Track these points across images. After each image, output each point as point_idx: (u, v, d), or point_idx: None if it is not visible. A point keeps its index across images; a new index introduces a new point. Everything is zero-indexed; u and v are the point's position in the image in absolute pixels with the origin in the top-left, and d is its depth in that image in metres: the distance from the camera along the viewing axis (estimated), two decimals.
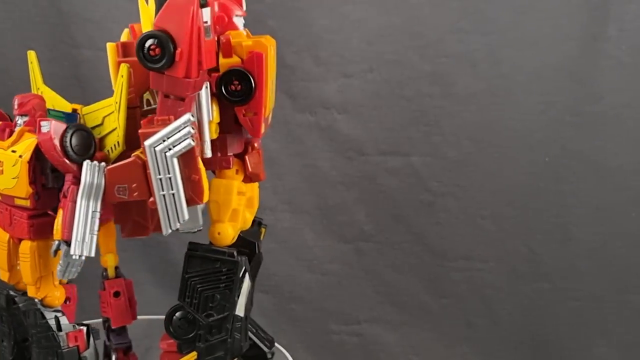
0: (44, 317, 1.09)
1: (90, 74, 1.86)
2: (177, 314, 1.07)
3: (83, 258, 1.01)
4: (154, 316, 1.26)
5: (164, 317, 1.14)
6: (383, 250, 2.01)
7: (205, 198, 0.99)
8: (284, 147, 1.95)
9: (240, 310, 1.08)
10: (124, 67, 1.02)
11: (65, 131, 1.01)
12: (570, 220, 1.97)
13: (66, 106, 1.10)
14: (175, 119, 0.97)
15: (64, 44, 1.86)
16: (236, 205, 1.08)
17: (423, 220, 1.98)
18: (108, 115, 1.05)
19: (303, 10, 1.87)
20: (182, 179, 0.96)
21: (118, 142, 1.04)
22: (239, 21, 1.04)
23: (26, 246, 1.06)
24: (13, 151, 1.03)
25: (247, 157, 1.09)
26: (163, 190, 0.96)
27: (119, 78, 1.02)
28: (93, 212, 1.00)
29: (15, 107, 1.07)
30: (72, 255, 1.00)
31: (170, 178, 0.96)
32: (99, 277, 1.21)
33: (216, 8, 1.02)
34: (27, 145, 1.03)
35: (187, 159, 0.96)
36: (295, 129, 1.95)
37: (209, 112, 1.02)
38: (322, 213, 2.00)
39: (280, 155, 1.94)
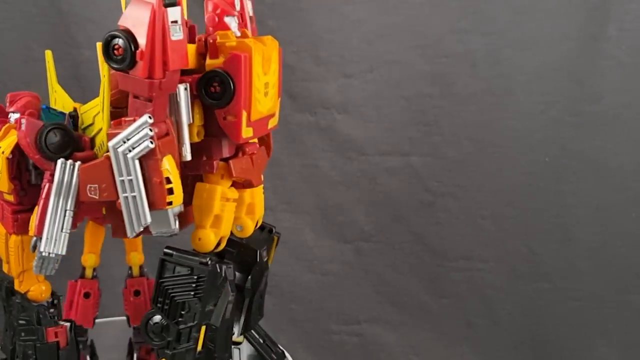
0: (24, 310, 1.10)
1: (90, 74, 1.86)
2: (154, 318, 1.05)
3: (53, 255, 1.01)
4: None
5: None
6: (383, 250, 2.01)
7: (178, 201, 0.97)
8: (284, 147, 1.95)
9: (215, 320, 1.04)
10: (105, 67, 1.01)
11: (40, 129, 1.02)
12: (570, 220, 1.97)
13: (72, 106, 1.11)
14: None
15: (64, 44, 1.86)
16: (219, 211, 1.04)
17: (423, 220, 1.99)
18: (97, 114, 1.06)
19: (303, 10, 1.87)
20: (145, 181, 0.95)
21: (103, 142, 1.03)
22: (231, 21, 1.02)
23: (12, 240, 1.08)
24: None
25: (231, 162, 1.05)
26: (126, 192, 0.95)
27: (102, 78, 1.02)
28: (65, 210, 1.00)
29: (7, 104, 1.09)
30: (42, 253, 1.00)
31: (131, 180, 0.95)
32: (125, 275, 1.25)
33: (210, 7, 1.01)
34: (9, 141, 1.04)
35: (147, 161, 0.95)
36: (295, 129, 1.95)
37: (189, 114, 1.00)
38: (322, 213, 2.00)
39: (280, 155, 1.94)
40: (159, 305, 1.03)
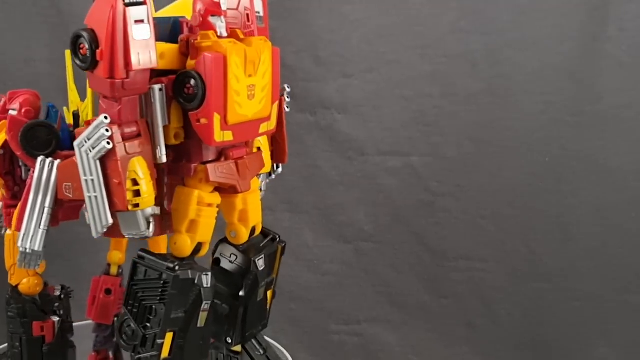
0: (13, 302, 1.12)
1: None
2: (128, 320, 1.03)
3: (29, 251, 1.02)
4: None
5: None
6: (383, 250, 2.01)
7: (146, 204, 0.96)
8: None
9: (185, 328, 1.01)
10: None
11: (23, 127, 1.03)
12: (570, 220, 1.97)
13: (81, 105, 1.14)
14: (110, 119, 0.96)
15: (64, 44, 1.85)
16: (195, 216, 1.01)
17: (423, 220, 1.99)
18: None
19: (303, 10, 1.88)
20: (107, 182, 0.95)
21: None
22: (216, 21, 0.99)
23: (6, 234, 1.10)
24: None
25: (208, 166, 1.01)
26: (89, 192, 0.95)
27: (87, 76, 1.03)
28: (44, 207, 1.01)
29: (7, 101, 1.10)
30: (19, 247, 1.02)
31: (93, 180, 0.94)
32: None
33: (199, 7, 0.99)
34: (0, 138, 1.07)
35: (108, 162, 0.94)
36: (295, 129, 1.95)
37: (163, 116, 0.98)
38: (322, 213, 2.00)
39: None
40: (129, 308, 1.01)
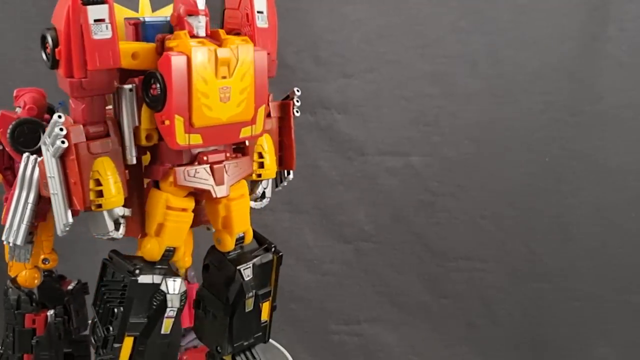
0: (8, 293, 1.15)
1: None
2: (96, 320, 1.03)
3: (11, 245, 1.04)
4: None
5: None
6: (383, 250, 2.01)
7: (109, 205, 0.96)
8: None
9: (146, 334, 1.00)
10: None
11: (11, 124, 1.05)
12: (570, 220, 1.97)
13: None
14: (74, 118, 0.96)
15: None
16: (162, 220, 1.00)
17: (423, 220, 1.98)
18: None
19: (303, 10, 1.87)
20: (66, 181, 0.95)
21: None
22: (193, 21, 0.97)
23: None
24: None
25: (175, 169, 0.99)
26: (51, 190, 0.95)
27: None
28: (27, 203, 1.02)
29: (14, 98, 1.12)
30: (4, 241, 1.03)
31: (53, 178, 0.94)
32: None
33: (178, 6, 0.97)
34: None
35: (65, 161, 0.94)
36: (295, 129, 1.95)
37: (131, 116, 0.97)
38: (322, 213, 2.00)
39: None
40: (96, 308, 1.01)
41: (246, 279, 1.08)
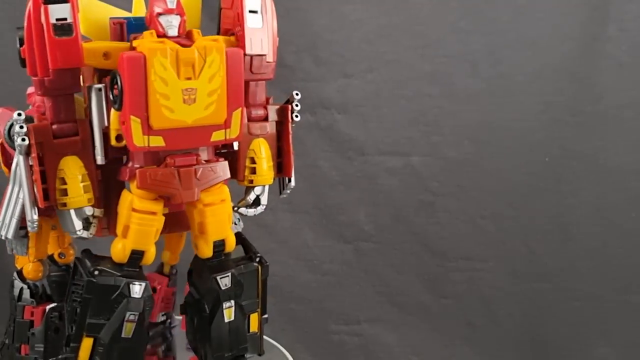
0: (13, 285, 1.16)
1: None
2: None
3: (4, 238, 1.04)
4: None
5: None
6: (383, 250, 2.01)
7: (73, 204, 0.96)
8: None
9: (105, 336, 0.99)
10: None
11: (8, 121, 1.05)
12: (570, 220, 1.97)
13: None
14: (47, 116, 0.97)
15: None
16: (127, 222, 0.98)
17: (423, 220, 1.99)
18: None
19: (303, 10, 1.87)
20: (31, 177, 0.96)
21: None
22: (164, 20, 0.95)
23: None
24: None
25: (138, 171, 0.96)
26: (16, 186, 0.97)
27: None
28: (17, 198, 1.02)
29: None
30: None
31: (19, 174, 0.96)
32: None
33: (154, 8, 0.96)
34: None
35: (28, 158, 0.95)
36: (295, 129, 1.94)
37: (100, 116, 0.96)
38: (322, 213, 2.00)
39: None
40: (66, 306, 1.02)
41: (223, 288, 1.04)
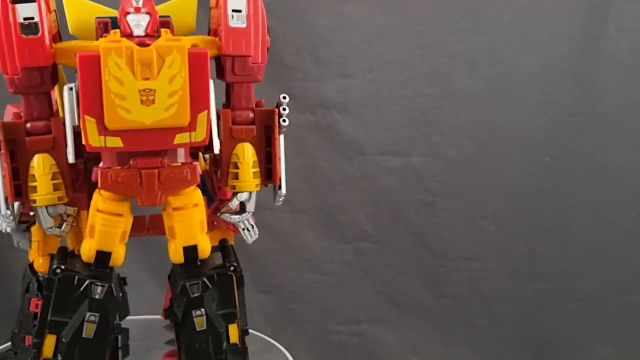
0: (24, 277, 1.19)
1: None
2: None
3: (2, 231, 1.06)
4: (154, 316, 1.26)
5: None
6: (383, 250, 2.01)
7: (42, 201, 0.98)
8: (284, 147, 1.94)
9: (65, 335, 1.00)
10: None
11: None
12: (570, 220, 1.97)
13: None
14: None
15: None
16: (92, 221, 0.98)
17: (423, 220, 1.98)
18: None
19: (303, 10, 1.87)
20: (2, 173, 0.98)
21: None
22: (132, 20, 0.94)
23: None
24: None
25: (100, 172, 0.96)
26: None
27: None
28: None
29: None
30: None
31: None
32: None
33: (126, 7, 0.96)
34: None
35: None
36: (295, 129, 1.94)
37: (72, 115, 0.96)
38: (322, 213, 2.00)
39: None
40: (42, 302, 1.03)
41: (192, 295, 1.02)
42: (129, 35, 0.94)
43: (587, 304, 1.99)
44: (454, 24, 1.88)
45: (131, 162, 0.96)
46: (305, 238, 2.01)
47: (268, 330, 1.30)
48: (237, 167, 1.05)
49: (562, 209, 1.96)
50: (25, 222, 1.11)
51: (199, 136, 0.96)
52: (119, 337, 1.10)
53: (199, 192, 1.01)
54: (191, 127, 0.95)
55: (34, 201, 0.98)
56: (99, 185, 0.96)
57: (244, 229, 1.13)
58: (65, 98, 0.97)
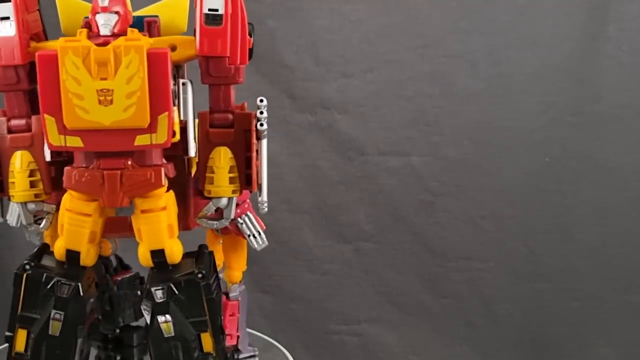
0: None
1: None
2: None
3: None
4: None
5: None
6: (383, 250, 2.01)
7: (18, 198, 0.99)
8: (284, 147, 1.95)
9: (34, 330, 1.00)
10: None
11: None
12: (570, 220, 1.97)
13: None
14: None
15: None
16: (62, 220, 0.99)
17: (423, 220, 1.98)
18: None
19: (303, 10, 1.87)
20: None
21: None
22: (99, 19, 0.93)
23: None
24: None
25: (66, 170, 0.96)
26: None
27: None
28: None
29: None
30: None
31: None
32: None
33: (96, 7, 0.94)
34: None
35: None
36: (295, 129, 1.95)
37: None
38: (322, 213, 2.00)
39: (280, 155, 1.94)
40: None
41: (157, 300, 1.00)
42: (97, 35, 0.93)
43: (587, 304, 1.99)
44: (454, 24, 1.88)
45: (95, 163, 0.96)
46: (305, 238, 2.01)
47: (268, 330, 1.30)
48: (213, 172, 1.03)
49: (562, 209, 1.96)
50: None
51: (160, 138, 0.94)
52: (124, 337, 1.13)
53: (169, 195, 0.99)
54: (151, 128, 0.93)
55: (13, 197, 1.00)
56: (64, 184, 0.97)
57: (249, 236, 1.12)
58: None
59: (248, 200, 1.13)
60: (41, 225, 1.02)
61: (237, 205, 1.08)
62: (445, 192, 1.97)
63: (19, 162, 0.99)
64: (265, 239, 1.14)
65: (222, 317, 1.08)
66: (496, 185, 1.96)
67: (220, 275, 1.17)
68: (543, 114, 1.92)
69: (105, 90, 0.90)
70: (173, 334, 1.01)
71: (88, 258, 1.01)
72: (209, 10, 0.96)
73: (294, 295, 2.02)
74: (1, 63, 0.95)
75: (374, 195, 1.98)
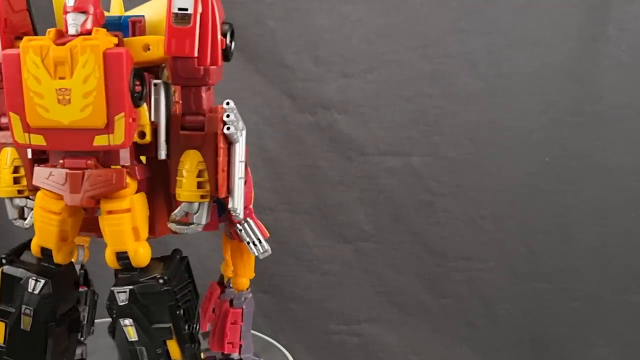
0: None
1: None
2: None
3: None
4: None
5: None
6: (383, 250, 2.01)
7: (4, 194, 1.02)
8: (284, 147, 1.95)
9: (10, 323, 1.02)
10: None
11: None
12: (570, 220, 1.97)
13: None
14: None
15: None
16: (34, 218, 1.00)
17: (423, 220, 1.98)
18: None
19: (303, 10, 1.87)
20: None
21: None
22: (68, 18, 0.92)
23: None
24: None
25: (35, 168, 0.97)
26: None
27: None
28: None
29: None
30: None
31: None
32: None
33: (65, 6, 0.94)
34: None
35: None
36: (295, 129, 1.95)
37: None
38: (322, 213, 2.00)
39: (280, 155, 1.94)
40: None
41: (120, 303, 0.98)
42: (65, 34, 0.93)
43: (587, 304, 1.99)
44: (454, 24, 1.88)
45: (60, 161, 0.96)
46: (305, 238, 2.01)
47: (268, 330, 1.30)
48: (182, 175, 0.99)
49: (562, 209, 1.96)
50: None
51: (117, 139, 0.93)
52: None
53: (137, 197, 0.98)
54: (109, 129, 0.92)
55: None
56: (32, 181, 0.98)
57: (248, 243, 1.10)
58: None
59: (250, 207, 1.11)
60: (26, 221, 1.03)
61: None
62: (445, 192, 1.97)
63: (5, 159, 1.02)
64: (267, 247, 1.11)
65: (197, 325, 1.04)
66: (496, 185, 1.96)
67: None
68: (543, 114, 1.92)
69: (63, 90, 0.91)
70: (137, 339, 0.99)
71: (60, 256, 1.01)
72: (179, 9, 0.94)
73: (294, 295, 2.02)
74: None
75: (374, 195, 1.98)
